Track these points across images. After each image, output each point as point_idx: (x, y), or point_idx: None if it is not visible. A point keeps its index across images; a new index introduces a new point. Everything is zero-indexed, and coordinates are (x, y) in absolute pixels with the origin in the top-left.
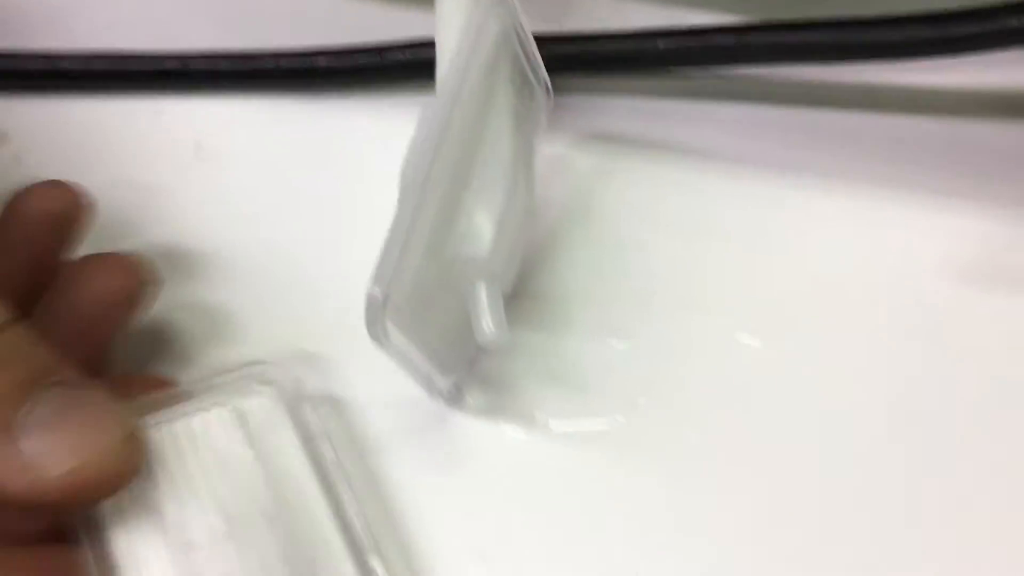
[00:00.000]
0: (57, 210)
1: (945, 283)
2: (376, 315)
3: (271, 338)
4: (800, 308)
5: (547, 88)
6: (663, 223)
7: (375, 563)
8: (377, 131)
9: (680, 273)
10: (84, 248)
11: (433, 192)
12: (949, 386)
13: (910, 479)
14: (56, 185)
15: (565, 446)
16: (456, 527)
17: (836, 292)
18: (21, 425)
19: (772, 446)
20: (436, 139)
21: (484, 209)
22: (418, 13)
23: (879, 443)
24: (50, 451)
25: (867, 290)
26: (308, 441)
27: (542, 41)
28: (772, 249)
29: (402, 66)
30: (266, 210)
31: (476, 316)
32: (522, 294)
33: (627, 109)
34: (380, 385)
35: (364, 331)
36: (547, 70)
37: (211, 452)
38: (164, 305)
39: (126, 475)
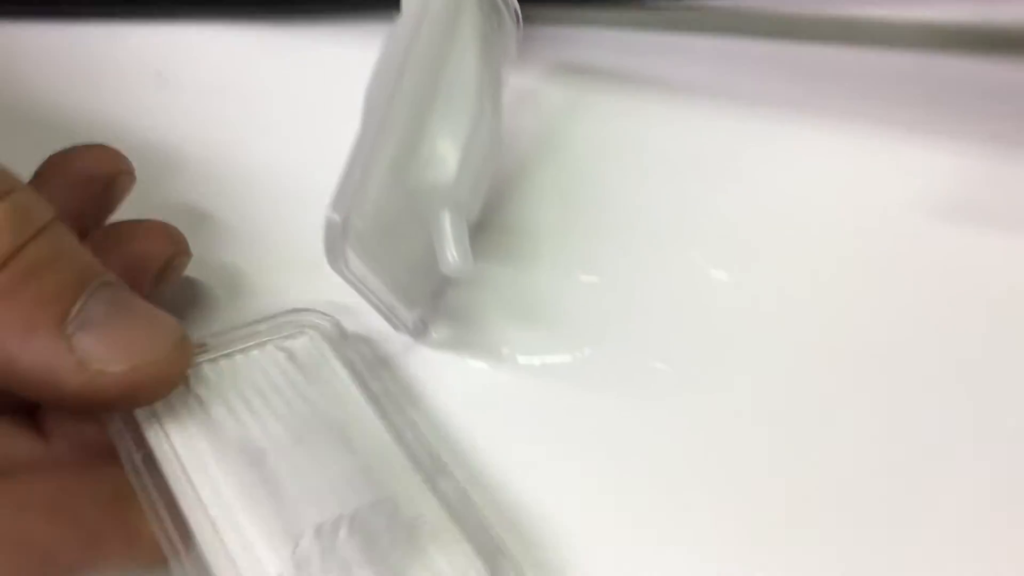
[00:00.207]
0: (98, 172)
1: (918, 218)
2: (335, 241)
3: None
4: (770, 243)
5: (517, 16)
6: (633, 157)
7: (445, 485)
8: (342, 59)
9: (650, 207)
10: None
11: (397, 114)
12: (919, 321)
13: (876, 411)
14: (99, 148)
15: (532, 379)
16: None
17: (807, 227)
18: (75, 323)
19: (740, 378)
20: (400, 60)
21: (449, 136)
22: None
23: (847, 376)
24: (106, 350)
25: (839, 225)
26: (357, 374)
27: None
28: (744, 183)
29: None
30: (229, 139)
31: (440, 245)
32: (489, 226)
33: (598, 41)
34: (344, 316)
35: (322, 260)
36: None
37: (264, 378)
38: None
39: (176, 378)
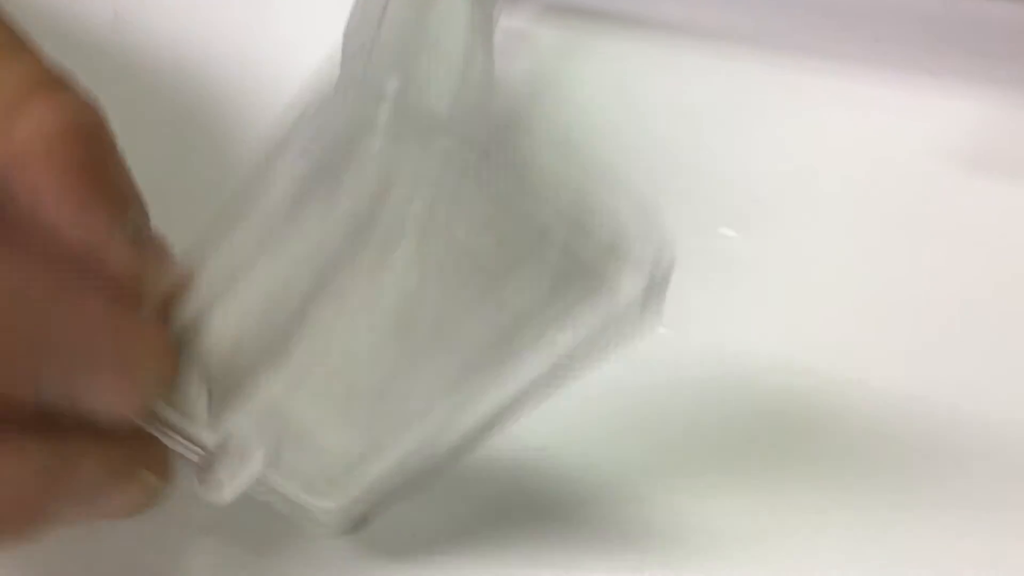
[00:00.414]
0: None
1: (935, 166)
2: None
3: None
4: (782, 195)
5: None
6: (633, 104)
7: None
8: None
9: (652, 157)
10: None
11: (379, 56)
12: (937, 271)
13: (895, 365)
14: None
15: None
16: None
17: (820, 177)
18: None
19: (750, 335)
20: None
21: (438, 79)
22: None
23: (864, 331)
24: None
25: (853, 175)
26: None
27: None
28: (750, 130)
29: None
30: (191, 79)
31: None
32: None
33: None
34: None
35: None
36: None
37: None
38: None
39: None
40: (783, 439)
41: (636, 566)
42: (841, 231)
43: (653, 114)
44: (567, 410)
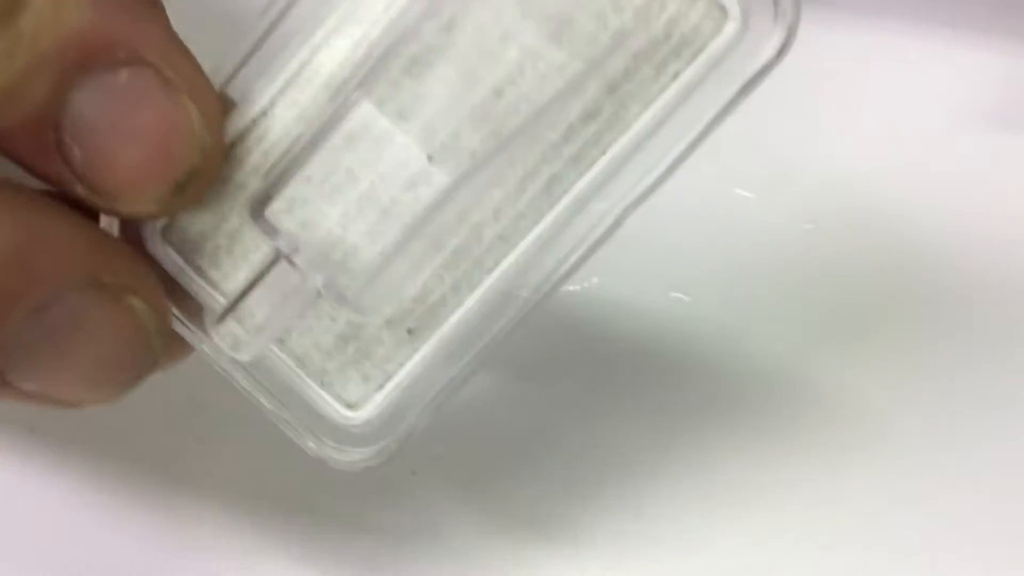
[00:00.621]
0: None
1: (959, 123)
2: None
3: None
4: (797, 153)
5: None
6: None
7: None
8: None
9: None
10: None
11: None
12: (962, 228)
13: (918, 330)
14: None
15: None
16: None
17: (836, 137)
18: None
19: (763, 295)
20: None
21: None
22: None
23: (879, 291)
24: None
25: (872, 134)
26: None
27: None
28: (769, 87)
29: None
30: None
31: None
32: None
33: None
34: None
35: None
36: None
37: None
38: None
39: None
40: None
41: None
42: (863, 189)
43: None
44: None
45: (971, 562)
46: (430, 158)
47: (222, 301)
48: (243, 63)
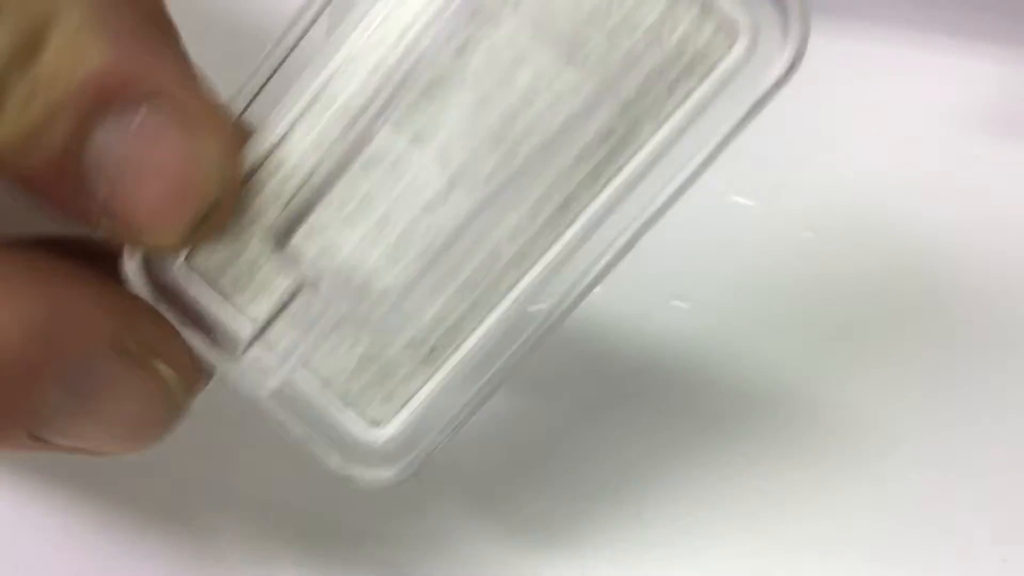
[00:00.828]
0: None
1: (956, 130)
2: None
3: None
4: (796, 162)
5: None
6: None
7: None
8: None
9: None
10: None
11: None
12: (960, 236)
13: (918, 332)
14: None
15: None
16: None
17: (834, 145)
18: None
19: (763, 304)
20: None
21: None
22: None
23: (879, 298)
24: None
25: (870, 142)
26: None
27: None
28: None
29: None
30: None
31: None
32: None
33: None
34: None
35: None
36: None
37: None
38: None
39: None
40: None
41: None
42: (860, 196)
43: None
44: None
45: (970, 574)
46: (447, 182)
47: (248, 328)
48: (260, 90)
